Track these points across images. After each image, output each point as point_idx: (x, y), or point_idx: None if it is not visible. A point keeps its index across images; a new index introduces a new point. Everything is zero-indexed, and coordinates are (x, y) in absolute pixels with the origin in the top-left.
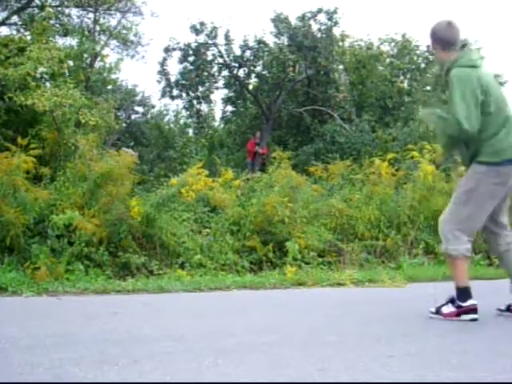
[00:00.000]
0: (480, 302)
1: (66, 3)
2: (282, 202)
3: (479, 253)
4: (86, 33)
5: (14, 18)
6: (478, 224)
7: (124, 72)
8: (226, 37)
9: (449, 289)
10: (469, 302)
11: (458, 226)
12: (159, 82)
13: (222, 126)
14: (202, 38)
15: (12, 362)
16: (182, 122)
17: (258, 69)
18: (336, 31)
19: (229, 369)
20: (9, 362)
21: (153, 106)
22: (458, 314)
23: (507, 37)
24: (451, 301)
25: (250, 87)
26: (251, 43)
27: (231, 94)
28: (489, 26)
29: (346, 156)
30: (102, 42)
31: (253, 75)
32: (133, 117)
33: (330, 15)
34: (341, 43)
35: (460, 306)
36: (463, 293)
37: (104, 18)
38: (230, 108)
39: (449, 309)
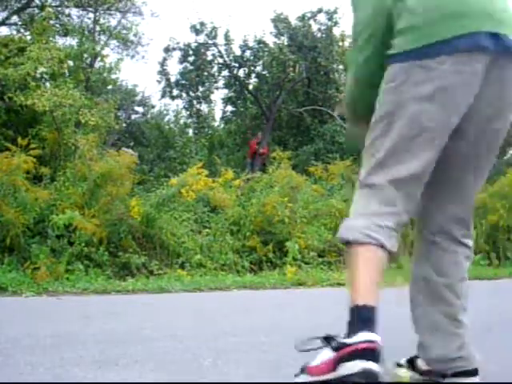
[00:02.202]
0: (480, 303)
1: (66, 3)
2: (282, 202)
3: (479, 253)
4: (86, 33)
5: (14, 18)
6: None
7: (124, 72)
8: (226, 37)
9: None
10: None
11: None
12: (159, 81)
13: (222, 126)
14: (201, 38)
15: (12, 362)
16: (182, 121)
17: (258, 69)
18: (336, 31)
19: (229, 369)
20: (9, 362)
21: (153, 106)
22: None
23: None
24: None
25: (250, 87)
26: (251, 43)
27: (231, 94)
28: None
29: (346, 156)
30: (102, 42)
31: (253, 75)
32: (133, 117)
33: (330, 15)
34: (341, 43)
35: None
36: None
37: (104, 18)
38: (230, 108)
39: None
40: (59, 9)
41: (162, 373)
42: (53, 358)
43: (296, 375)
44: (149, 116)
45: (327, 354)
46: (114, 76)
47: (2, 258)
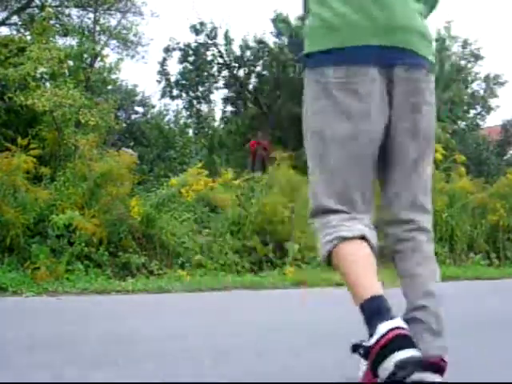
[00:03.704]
0: (480, 303)
1: (65, 3)
2: (282, 202)
3: (479, 253)
4: (86, 33)
5: (14, 18)
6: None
7: (124, 72)
8: (226, 37)
9: (449, 290)
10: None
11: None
12: (159, 81)
13: (222, 126)
14: (201, 38)
15: (12, 362)
16: (182, 122)
17: (258, 69)
18: None
19: (229, 369)
20: (9, 362)
21: (153, 106)
22: None
23: (507, 37)
24: None
25: (250, 87)
26: (251, 43)
27: (231, 94)
28: (489, 26)
29: None
30: (102, 42)
31: (253, 75)
32: (133, 117)
33: None
34: None
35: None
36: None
37: (104, 18)
38: (229, 108)
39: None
40: (59, 9)
41: (161, 373)
42: (53, 358)
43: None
44: (149, 116)
45: (363, 365)
46: (114, 76)
47: (2, 258)
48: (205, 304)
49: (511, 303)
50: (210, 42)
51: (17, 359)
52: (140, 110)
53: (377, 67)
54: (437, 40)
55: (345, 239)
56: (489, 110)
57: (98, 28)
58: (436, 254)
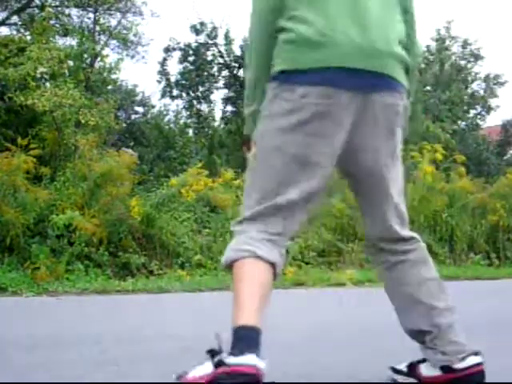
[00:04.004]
0: (480, 303)
1: (66, 3)
2: None
3: (479, 253)
4: (86, 33)
5: (14, 18)
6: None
7: (124, 72)
8: (226, 37)
9: (449, 290)
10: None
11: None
12: (159, 81)
13: (222, 126)
14: (202, 38)
15: (12, 362)
16: (182, 122)
17: None
18: None
19: None
20: (9, 362)
21: (153, 106)
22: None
23: (507, 37)
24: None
25: None
26: None
27: (231, 94)
28: (489, 26)
29: None
30: (102, 42)
31: None
32: (133, 117)
33: None
34: None
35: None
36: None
37: (104, 18)
38: (230, 108)
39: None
40: (59, 9)
41: (161, 373)
42: (53, 358)
43: (174, 379)
44: (149, 116)
45: (208, 369)
46: (114, 76)
47: (2, 258)
48: (205, 304)
49: (511, 303)
50: (210, 42)
51: (17, 359)
52: (140, 109)
53: (352, 91)
54: (437, 40)
55: (256, 257)
56: (489, 110)
57: (97, 28)
58: (436, 253)
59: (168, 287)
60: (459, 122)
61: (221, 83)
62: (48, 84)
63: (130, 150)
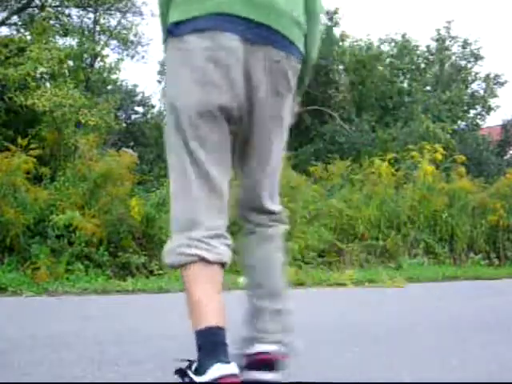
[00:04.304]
0: (480, 303)
1: (66, 3)
2: (282, 202)
3: (479, 253)
4: (86, 33)
5: (14, 18)
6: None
7: (124, 72)
8: None
9: (449, 290)
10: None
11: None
12: (159, 82)
13: None
14: None
15: (12, 362)
16: None
17: None
18: (336, 31)
19: None
20: (9, 362)
21: (153, 106)
22: None
23: (507, 37)
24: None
25: None
26: None
27: None
28: (489, 26)
29: (346, 156)
30: (102, 42)
31: None
32: (133, 117)
33: (330, 16)
34: (341, 43)
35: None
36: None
37: (104, 18)
38: None
39: None
40: (59, 9)
41: (161, 373)
42: (53, 358)
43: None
44: (149, 116)
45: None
46: (114, 76)
47: (2, 258)
48: None
49: (511, 303)
50: None
51: (17, 359)
52: (140, 110)
53: (244, 42)
54: (437, 40)
55: (203, 260)
56: (489, 109)
57: (98, 28)
58: (436, 254)
59: (168, 287)
60: (459, 122)
61: None
62: (48, 84)
63: (129, 150)
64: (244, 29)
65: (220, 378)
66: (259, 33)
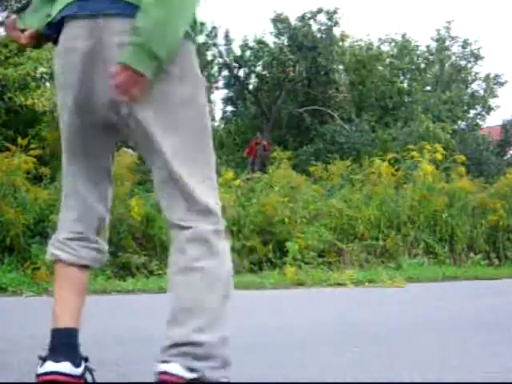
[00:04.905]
0: (480, 303)
1: None
2: (282, 202)
3: (479, 253)
4: None
5: None
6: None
7: None
8: (226, 37)
9: (449, 290)
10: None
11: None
12: None
13: (222, 126)
14: (202, 38)
15: (12, 362)
16: None
17: (258, 69)
18: (336, 31)
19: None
20: (9, 362)
21: None
22: None
23: (507, 37)
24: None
25: (250, 87)
26: (251, 43)
27: (231, 94)
28: (489, 26)
29: (346, 156)
30: None
31: (253, 75)
32: None
33: (330, 15)
34: (341, 43)
35: None
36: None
37: None
38: (230, 108)
39: None
40: None
41: None
42: None
43: None
44: None
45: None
46: None
47: (2, 258)
48: None
49: (511, 303)
50: (210, 42)
51: (17, 359)
52: None
53: (82, 18)
54: (437, 40)
55: (60, 261)
56: (489, 110)
57: None
58: (436, 254)
59: (168, 287)
60: (459, 122)
61: (221, 83)
62: (48, 84)
63: (129, 150)
64: (84, 6)
65: (42, 374)
66: (98, 5)
